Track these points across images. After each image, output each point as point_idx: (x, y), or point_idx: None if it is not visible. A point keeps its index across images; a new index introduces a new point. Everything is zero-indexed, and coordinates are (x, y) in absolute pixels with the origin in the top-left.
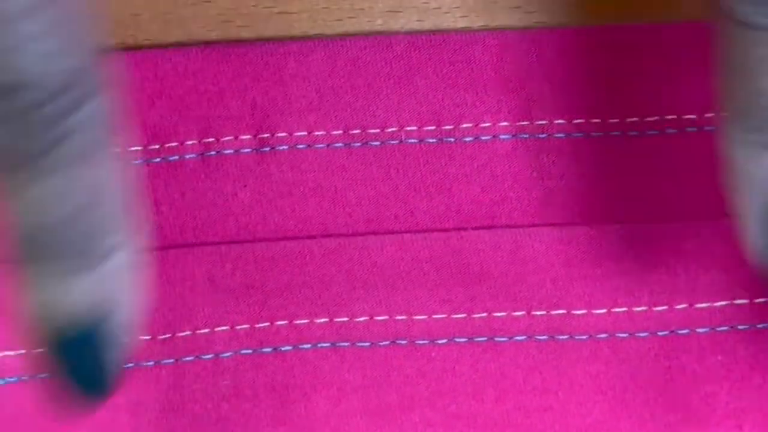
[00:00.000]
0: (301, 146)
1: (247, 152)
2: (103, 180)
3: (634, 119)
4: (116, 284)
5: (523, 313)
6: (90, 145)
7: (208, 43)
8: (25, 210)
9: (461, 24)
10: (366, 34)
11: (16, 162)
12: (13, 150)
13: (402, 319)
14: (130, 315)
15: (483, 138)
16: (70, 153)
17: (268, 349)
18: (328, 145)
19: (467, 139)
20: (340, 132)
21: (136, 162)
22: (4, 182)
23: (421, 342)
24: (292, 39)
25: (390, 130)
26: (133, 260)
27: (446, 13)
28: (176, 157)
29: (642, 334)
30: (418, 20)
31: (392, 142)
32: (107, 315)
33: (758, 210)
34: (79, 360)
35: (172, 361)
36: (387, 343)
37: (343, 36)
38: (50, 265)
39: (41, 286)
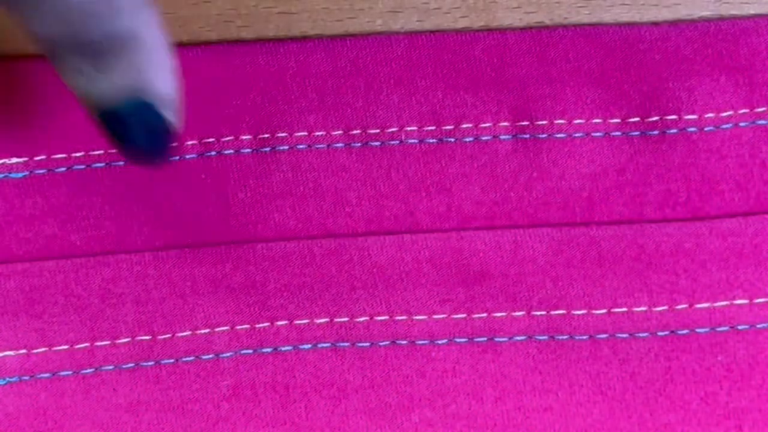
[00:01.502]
0: (301, 146)
1: (247, 152)
2: None
3: (635, 119)
4: (139, 70)
5: (523, 313)
6: None
7: (208, 43)
8: (38, 22)
9: (461, 24)
10: (366, 34)
11: None
12: None
13: (402, 320)
14: (166, 91)
15: (483, 138)
16: None
17: (268, 349)
18: (328, 146)
19: (467, 139)
20: (341, 132)
21: None
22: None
23: (421, 342)
24: (292, 39)
25: (390, 130)
26: (154, 45)
27: (446, 13)
28: (176, 158)
29: (642, 335)
30: (418, 20)
31: (392, 142)
32: (145, 91)
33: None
34: (131, 130)
35: (172, 361)
36: (387, 343)
37: (343, 36)
38: (82, 60)
39: (80, 80)
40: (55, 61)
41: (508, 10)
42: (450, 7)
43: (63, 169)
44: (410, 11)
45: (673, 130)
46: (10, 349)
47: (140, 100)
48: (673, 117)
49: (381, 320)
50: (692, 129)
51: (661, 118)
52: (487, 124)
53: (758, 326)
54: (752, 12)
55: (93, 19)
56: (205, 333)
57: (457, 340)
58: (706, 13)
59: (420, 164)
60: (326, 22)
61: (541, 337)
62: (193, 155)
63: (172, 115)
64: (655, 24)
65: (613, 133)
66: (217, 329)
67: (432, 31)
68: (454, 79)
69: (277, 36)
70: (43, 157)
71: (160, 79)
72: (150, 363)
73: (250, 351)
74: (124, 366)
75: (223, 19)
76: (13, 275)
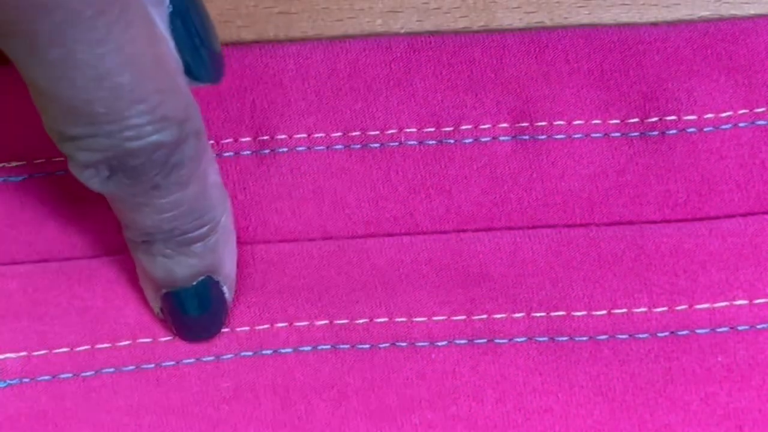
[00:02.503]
0: (300, 148)
1: (247, 154)
2: (201, 188)
3: (634, 120)
4: (216, 252)
5: (523, 314)
6: (189, 172)
7: None
8: (142, 219)
9: (461, 24)
10: (366, 35)
11: (133, 195)
12: (132, 188)
13: (402, 321)
14: (230, 271)
15: (482, 139)
16: (177, 182)
17: (269, 351)
18: (327, 147)
19: (467, 140)
20: (340, 134)
21: None
22: (121, 203)
23: (421, 344)
24: (292, 39)
25: (389, 132)
26: (228, 229)
27: (446, 13)
28: None
29: (642, 336)
30: (417, 20)
31: (392, 144)
32: (217, 271)
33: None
34: (196, 305)
35: (173, 363)
36: (387, 345)
37: (343, 36)
38: (163, 248)
39: (164, 263)
40: (141, 246)
41: (508, 10)
42: (450, 7)
43: (62, 172)
44: (410, 11)
45: (673, 131)
46: (11, 352)
47: (211, 279)
48: (673, 118)
49: (381, 322)
50: (692, 129)
51: (660, 119)
52: (487, 126)
53: (758, 327)
54: (752, 12)
55: (194, 214)
56: None
57: (457, 341)
58: (705, 13)
59: (419, 166)
60: (326, 22)
61: (541, 339)
62: None
63: (230, 292)
64: (655, 24)
65: (613, 134)
66: None
67: (432, 31)
68: (453, 80)
69: (277, 36)
70: (42, 160)
71: (230, 259)
72: (151, 365)
73: (250, 353)
74: (124, 368)
75: (223, 19)
76: (16, 277)
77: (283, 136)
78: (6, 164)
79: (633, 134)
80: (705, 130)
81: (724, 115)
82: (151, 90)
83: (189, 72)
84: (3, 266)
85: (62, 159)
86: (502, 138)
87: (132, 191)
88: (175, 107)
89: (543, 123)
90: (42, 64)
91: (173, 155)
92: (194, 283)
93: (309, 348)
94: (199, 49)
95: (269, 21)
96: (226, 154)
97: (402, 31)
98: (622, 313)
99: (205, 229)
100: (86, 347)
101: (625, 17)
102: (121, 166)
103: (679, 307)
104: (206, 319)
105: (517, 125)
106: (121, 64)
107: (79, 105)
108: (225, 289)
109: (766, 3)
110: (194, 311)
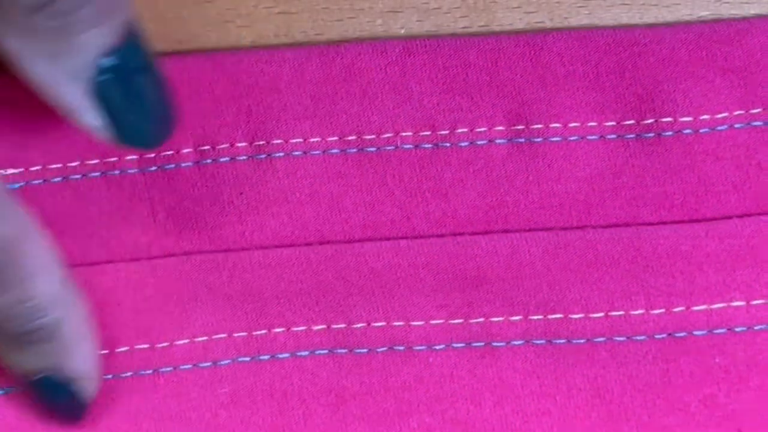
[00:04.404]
0: (296, 153)
1: (243, 160)
2: (20, 297)
3: (630, 122)
4: (58, 355)
5: (521, 317)
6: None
7: (207, 44)
8: None
9: (461, 24)
10: (366, 35)
11: None
12: None
13: (399, 325)
14: (85, 370)
15: (479, 143)
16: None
17: (266, 357)
18: (323, 152)
19: (463, 144)
20: (336, 138)
21: (133, 171)
22: None
23: (418, 348)
24: (293, 40)
25: (385, 135)
26: (77, 332)
27: (446, 13)
28: (172, 166)
29: (640, 338)
30: (417, 20)
31: (388, 147)
32: (59, 371)
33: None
34: (49, 399)
35: (170, 369)
36: (385, 349)
37: (343, 36)
38: (9, 343)
39: (4, 351)
40: None
41: (508, 10)
42: (450, 7)
43: (59, 179)
44: (410, 11)
45: (669, 133)
46: None
47: (56, 377)
48: (669, 119)
49: (378, 326)
50: (688, 131)
51: (656, 121)
52: (483, 129)
53: (755, 328)
54: (752, 12)
55: (17, 319)
56: (202, 341)
57: (455, 345)
58: (705, 13)
59: (416, 169)
60: (326, 22)
61: (538, 341)
62: (189, 163)
63: (89, 386)
64: (650, 26)
65: (609, 136)
66: (214, 337)
67: (432, 31)
68: (449, 83)
69: (277, 36)
70: (38, 167)
71: (76, 360)
72: (148, 371)
73: (248, 358)
74: (122, 375)
75: (223, 19)
76: None
77: (279, 141)
78: (2, 172)
79: (629, 136)
80: (701, 131)
81: (720, 116)
82: None
83: (121, 138)
84: None
85: (59, 166)
86: (498, 141)
87: None
88: None
89: (539, 125)
90: None
91: None
92: (35, 378)
93: (306, 353)
94: (135, 115)
95: (269, 21)
96: (223, 159)
97: (402, 31)
98: (620, 315)
99: (35, 333)
100: None
101: (625, 17)
102: None
103: (676, 309)
104: (60, 409)
105: (513, 128)
106: None
107: None
108: (76, 386)
109: (766, 3)
110: (43, 400)
